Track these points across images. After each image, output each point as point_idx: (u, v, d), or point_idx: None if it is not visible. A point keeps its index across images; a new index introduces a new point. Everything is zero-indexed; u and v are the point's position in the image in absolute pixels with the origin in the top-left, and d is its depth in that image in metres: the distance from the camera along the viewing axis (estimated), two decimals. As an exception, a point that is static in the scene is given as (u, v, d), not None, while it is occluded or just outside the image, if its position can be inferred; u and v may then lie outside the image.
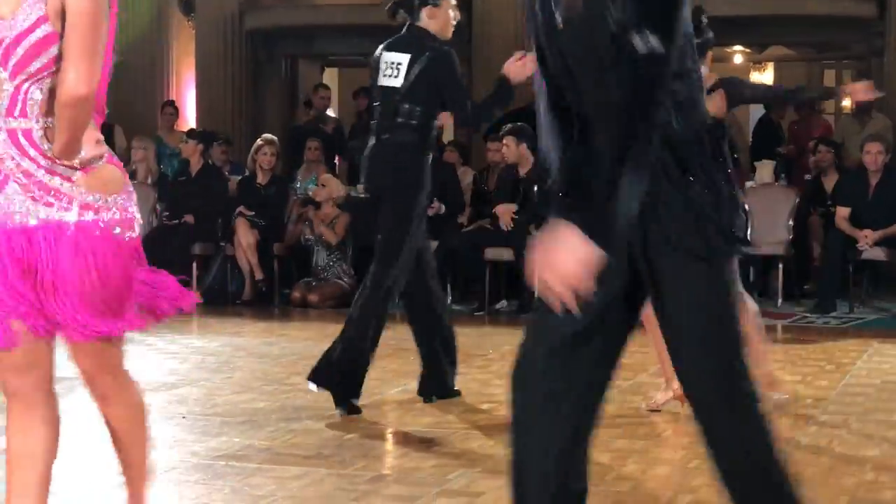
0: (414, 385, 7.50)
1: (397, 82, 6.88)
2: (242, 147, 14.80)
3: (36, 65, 3.43)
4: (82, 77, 3.37)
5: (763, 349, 6.65)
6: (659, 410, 6.78)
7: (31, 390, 3.62)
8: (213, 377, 7.87)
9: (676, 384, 6.87)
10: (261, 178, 12.41)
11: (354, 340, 6.75)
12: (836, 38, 16.28)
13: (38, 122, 3.47)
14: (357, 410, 6.70)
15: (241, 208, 12.12)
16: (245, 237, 11.98)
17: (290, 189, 12.90)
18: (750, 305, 6.63)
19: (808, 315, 11.18)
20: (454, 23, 7.10)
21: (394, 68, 6.93)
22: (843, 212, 11.63)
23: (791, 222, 12.07)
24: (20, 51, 3.41)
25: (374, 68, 7.06)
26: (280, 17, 16.06)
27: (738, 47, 17.88)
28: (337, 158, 15.06)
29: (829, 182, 12.43)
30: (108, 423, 3.88)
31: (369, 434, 6.33)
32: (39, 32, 3.40)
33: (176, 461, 5.58)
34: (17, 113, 3.45)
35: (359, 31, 16.08)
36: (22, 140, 3.46)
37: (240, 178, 12.84)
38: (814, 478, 5.36)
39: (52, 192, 3.47)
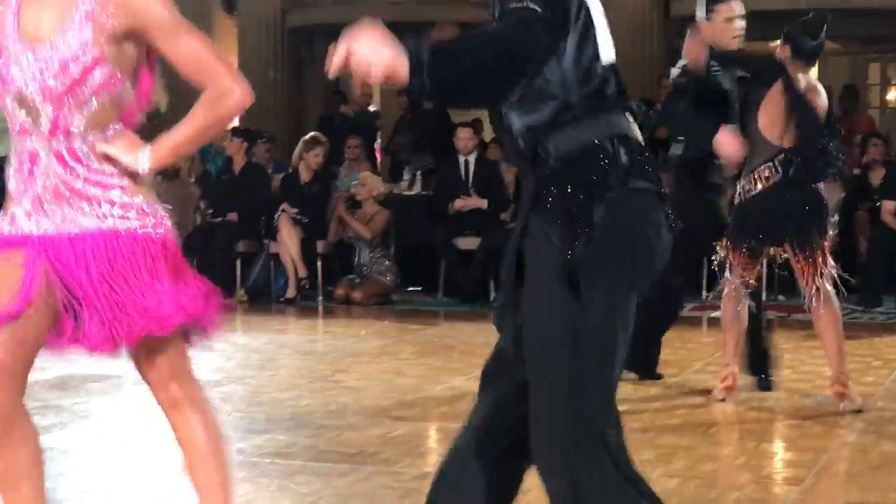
0: (458, 382, 7.50)
1: None
2: (284, 145, 14.84)
3: (83, 89, 3.38)
4: (244, 88, 3.58)
5: (840, 352, 6.59)
6: (723, 399, 6.79)
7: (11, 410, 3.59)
8: (258, 374, 7.89)
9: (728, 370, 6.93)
10: (304, 176, 12.43)
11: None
12: (881, 31, 16.17)
13: (83, 139, 3.43)
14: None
15: (284, 206, 12.14)
16: (288, 235, 12.00)
17: (333, 187, 12.92)
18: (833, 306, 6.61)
19: (854, 310, 11.09)
20: None
21: None
22: (889, 206, 11.55)
23: (836, 217, 11.98)
24: (64, 76, 3.35)
25: None
26: (322, 14, 16.09)
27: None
28: (378, 154, 15.08)
29: (876, 177, 12.34)
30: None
31: (415, 431, 6.33)
32: (86, 58, 3.35)
33: (222, 459, 5.58)
34: (60, 135, 3.40)
35: (401, 28, 16.10)
36: (67, 158, 3.43)
37: (283, 175, 12.87)
38: (862, 475, 5.32)
39: (102, 201, 3.45)
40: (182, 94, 3.89)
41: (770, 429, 6.37)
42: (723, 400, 6.83)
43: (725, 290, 6.81)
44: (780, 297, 11.07)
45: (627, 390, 7.21)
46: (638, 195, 3.16)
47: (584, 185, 3.10)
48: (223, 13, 17.12)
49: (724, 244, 6.77)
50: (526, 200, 3.22)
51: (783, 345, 7.88)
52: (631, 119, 3.25)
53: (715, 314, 10.78)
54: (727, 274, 6.77)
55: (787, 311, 10.23)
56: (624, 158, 3.14)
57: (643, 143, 3.26)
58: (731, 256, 6.73)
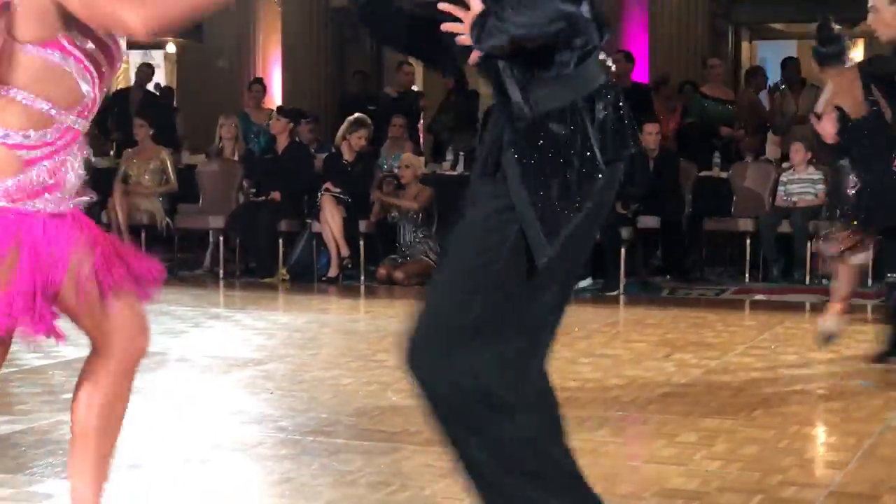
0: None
1: None
2: (327, 125, 14.86)
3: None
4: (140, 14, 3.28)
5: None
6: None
7: None
8: (300, 353, 7.91)
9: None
10: (347, 156, 12.44)
11: None
12: None
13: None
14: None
15: (327, 185, 12.16)
16: (331, 214, 12.02)
17: (376, 166, 12.93)
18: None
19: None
20: None
21: None
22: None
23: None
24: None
25: None
26: (365, -6, 16.07)
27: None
28: (421, 134, 15.08)
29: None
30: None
31: (456, 411, 6.33)
32: None
33: (263, 436, 5.62)
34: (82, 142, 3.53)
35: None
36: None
37: (326, 155, 12.88)
38: (906, 459, 5.30)
39: None
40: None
41: (813, 412, 6.35)
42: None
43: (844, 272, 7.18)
44: (825, 281, 11.01)
45: (668, 373, 7.21)
46: (607, 175, 3.34)
47: (560, 167, 3.25)
48: (267, -7, 17.17)
49: (851, 226, 7.00)
50: (497, 142, 3.36)
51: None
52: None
53: (758, 297, 10.78)
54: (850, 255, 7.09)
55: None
56: (600, 115, 3.29)
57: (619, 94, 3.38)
58: (858, 238, 6.97)
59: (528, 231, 3.26)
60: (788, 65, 14.34)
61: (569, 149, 3.24)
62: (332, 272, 12.10)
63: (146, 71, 17.27)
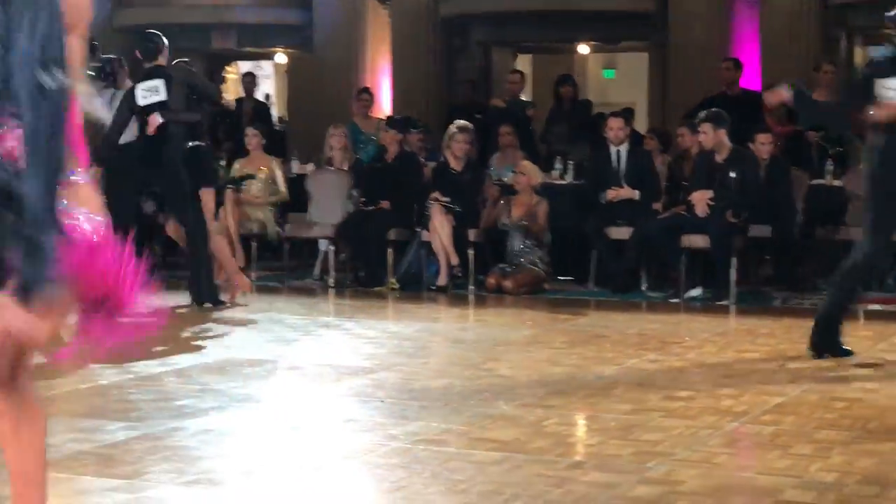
0: (610, 371, 7.49)
1: None
2: (436, 133, 14.90)
3: None
4: None
5: None
6: None
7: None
8: (411, 362, 7.93)
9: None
10: (454, 164, 12.46)
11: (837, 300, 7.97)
12: None
13: None
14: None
15: (435, 194, 12.19)
16: (440, 223, 12.04)
17: (486, 175, 12.94)
18: None
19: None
20: None
21: None
22: None
23: None
24: None
25: None
26: (474, 4, 16.13)
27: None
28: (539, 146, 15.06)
29: None
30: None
31: (567, 420, 6.32)
32: None
33: (375, 444, 5.64)
34: None
35: (552, 17, 16.08)
36: None
37: (434, 164, 12.92)
38: None
39: None
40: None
41: (931, 425, 6.23)
42: None
43: None
44: None
45: (781, 383, 7.12)
46: None
47: None
48: (377, 3, 17.26)
49: None
50: None
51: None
52: None
53: (874, 307, 10.61)
54: None
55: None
56: None
57: None
58: None
59: None
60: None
61: None
62: (441, 281, 12.12)
63: (250, 80, 17.47)
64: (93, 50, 16.24)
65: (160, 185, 10.84)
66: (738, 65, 13.70)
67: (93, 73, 10.62)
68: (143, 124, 10.52)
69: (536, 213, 11.99)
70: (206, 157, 10.93)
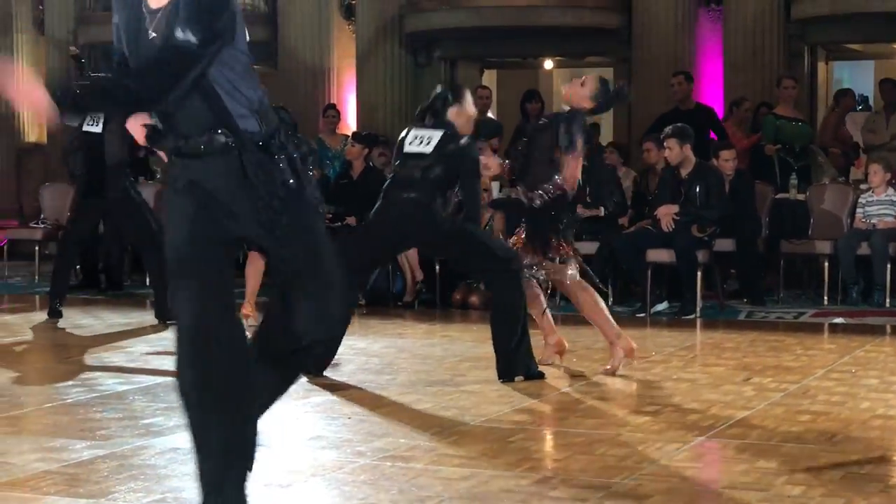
0: (579, 385, 7.51)
1: None
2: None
3: None
4: None
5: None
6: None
7: None
8: (377, 378, 7.93)
9: (621, 343, 7.91)
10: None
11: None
12: None
13: None
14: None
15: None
16: (406, 239, 12.02)
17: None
18: None
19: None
20: None
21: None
22: None
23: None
24: None
25: None
26: (439, 19, 16.13)
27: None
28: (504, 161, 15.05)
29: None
30: None
31: (534, 436, 6.33)
32: None
33: (342, 461, 5.64)
34: None
35: (517, 33, 16.11)
36: None
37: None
38: None
39: None
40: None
41: None
42: None
43: None
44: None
45: (747, 397, 7.15)
46: None
47: None
48: (342, 19, 17.25)
49: None
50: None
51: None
52: None
53: (837, 320, 10.67)
54: None
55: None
56: None
57: None
58: None
59: None
60: (885, 87, 14.29)
61: None
62: (408, 297, 12.12)
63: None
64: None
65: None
66: (689, 78, 13.74)
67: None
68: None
69: (492, 228, 11.99)
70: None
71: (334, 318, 4.39)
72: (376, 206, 8.09)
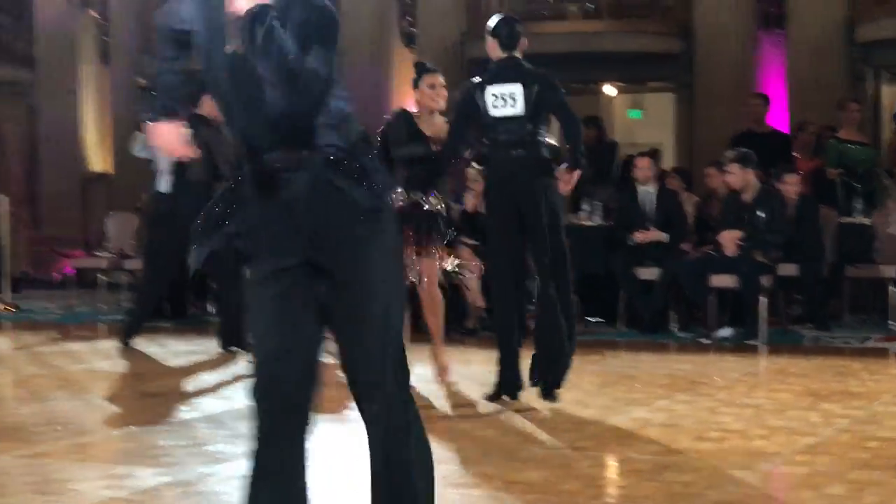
0: (640, 412, 7.47)
1: None
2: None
3: None
4: None
5: None
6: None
7: None
8: (439, 402, 7.91)
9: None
10: (476, 206, 12.45)
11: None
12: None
13: None
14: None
15: (462, 237, 12.18)
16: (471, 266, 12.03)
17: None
18: None
19: None
20: None
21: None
22: None
23: None
24: None
25: None
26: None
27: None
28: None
29: None
30: None
31: (598, 462, 6.30)
32: None
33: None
34: None
35: (578, 58, 16.12)
36: None
37: (461, 207, 12.92)
38: None
39: None
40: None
41: (965, 464, 6.20)
42: None
43: None
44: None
45: (813, 423, 7.09)
46: None
47: None
48: (402, 45, 17.34)
49: None
50: None
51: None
52: None
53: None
54: None
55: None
56: None
57: None
58: None
59: None
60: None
61: None
62: (470, 324, 12.11)
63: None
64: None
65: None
66: (766, 101, 13.71)
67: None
68: None
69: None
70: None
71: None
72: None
